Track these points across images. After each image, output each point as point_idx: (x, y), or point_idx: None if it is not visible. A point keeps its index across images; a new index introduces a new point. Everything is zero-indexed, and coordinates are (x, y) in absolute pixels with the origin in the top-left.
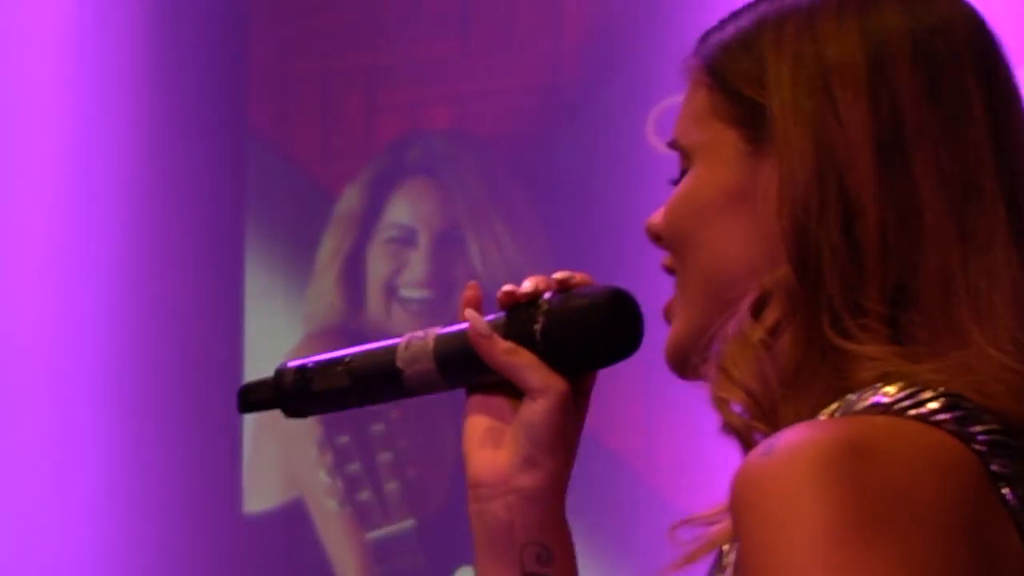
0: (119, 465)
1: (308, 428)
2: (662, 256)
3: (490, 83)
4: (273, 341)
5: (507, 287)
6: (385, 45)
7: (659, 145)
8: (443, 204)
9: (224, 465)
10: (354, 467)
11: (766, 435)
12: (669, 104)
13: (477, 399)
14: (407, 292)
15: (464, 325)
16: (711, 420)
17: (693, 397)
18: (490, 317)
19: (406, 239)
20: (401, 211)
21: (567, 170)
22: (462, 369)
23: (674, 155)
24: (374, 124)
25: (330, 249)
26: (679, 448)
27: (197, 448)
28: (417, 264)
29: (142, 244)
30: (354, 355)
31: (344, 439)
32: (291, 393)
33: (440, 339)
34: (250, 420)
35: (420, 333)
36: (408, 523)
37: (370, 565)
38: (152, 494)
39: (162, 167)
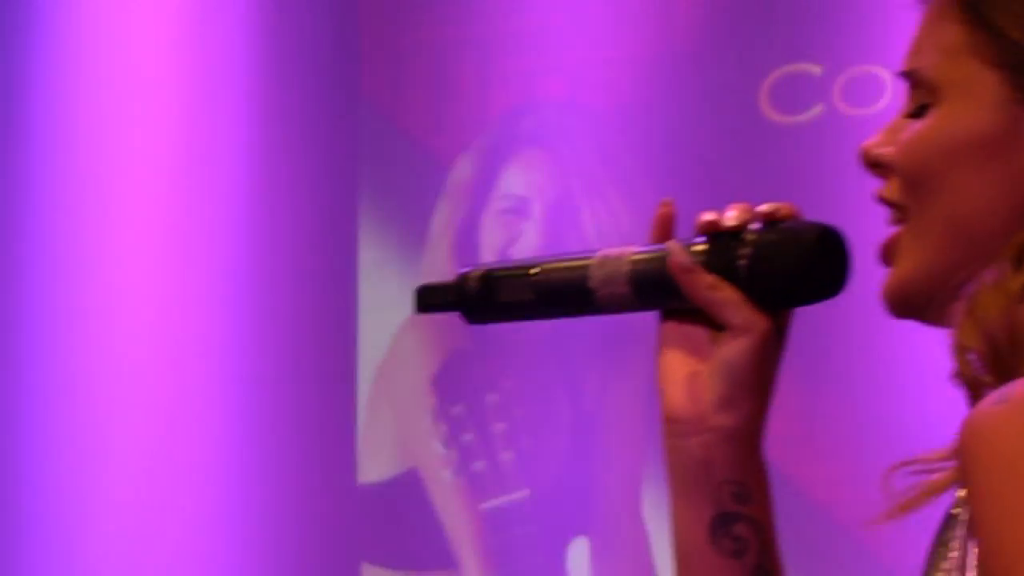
0: (235, 436)
1: (422, 398)
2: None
3: (604, 53)
4: (387, 312)
5: (709, 215)
6: (498, 14)
7: (773, 115)
8: (557, 174)
9: (339, 436)
10: (469, 437)
11: (994, 388)
12: (784, 73)
13: (671, 328)
14: None
15: (661, 247)
16: (828, 391)
17: (807, 369)
18: (686, 242)
19: (520, 210)
20: (515, 182)
21: (680, 140)
22: (658, 296)
23: (788, 130)
24: (488, 94)
25: (443, 220)
26: (795, 419)
27: (312, 419)
28: (530, 235)
29: (257, 217)
30: (542, 267)
31: (458, 409)
32: (473, 300)
33: (637, 263)
34: (365, 391)
35: (614, 252)
36: (523, 493)
37: (485, 535)
38: (267, 465)
39: (275, 139)
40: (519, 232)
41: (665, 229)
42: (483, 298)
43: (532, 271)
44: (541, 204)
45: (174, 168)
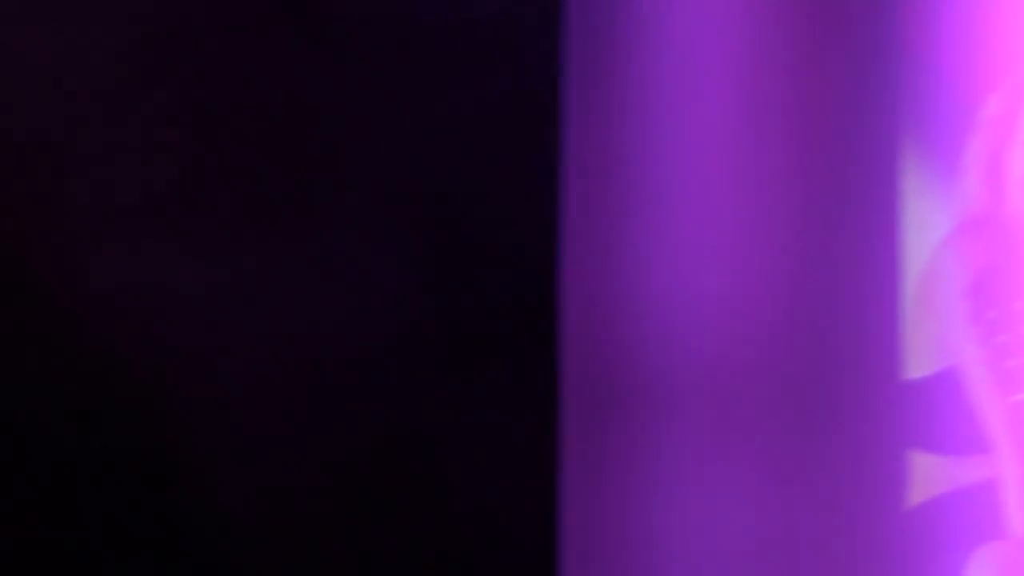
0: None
1: (958, 305)
2: None
3: None
4: (928, 232)
5: None
6: None
7: None
8: None
9: (887, 339)
10: (1001, 339)
11: None
12: None
13: None
14: None
15: None
16: None
17: None
18: None
19: None
20: None
21: None
22: None
23: None
24: (1019, 38)
25: (974, 150)
26: None
27: (858, 326)
28: None
29: (804, 158)
30: None
31: (993, 314)
32: None
33: None
34: (910, 301)
35: None
36: None
37: (1013, 424)
38: (823, 360)
39: (815, 88)
40: None
41: None
42: None
43: None
44: None
45: (726, 150)
